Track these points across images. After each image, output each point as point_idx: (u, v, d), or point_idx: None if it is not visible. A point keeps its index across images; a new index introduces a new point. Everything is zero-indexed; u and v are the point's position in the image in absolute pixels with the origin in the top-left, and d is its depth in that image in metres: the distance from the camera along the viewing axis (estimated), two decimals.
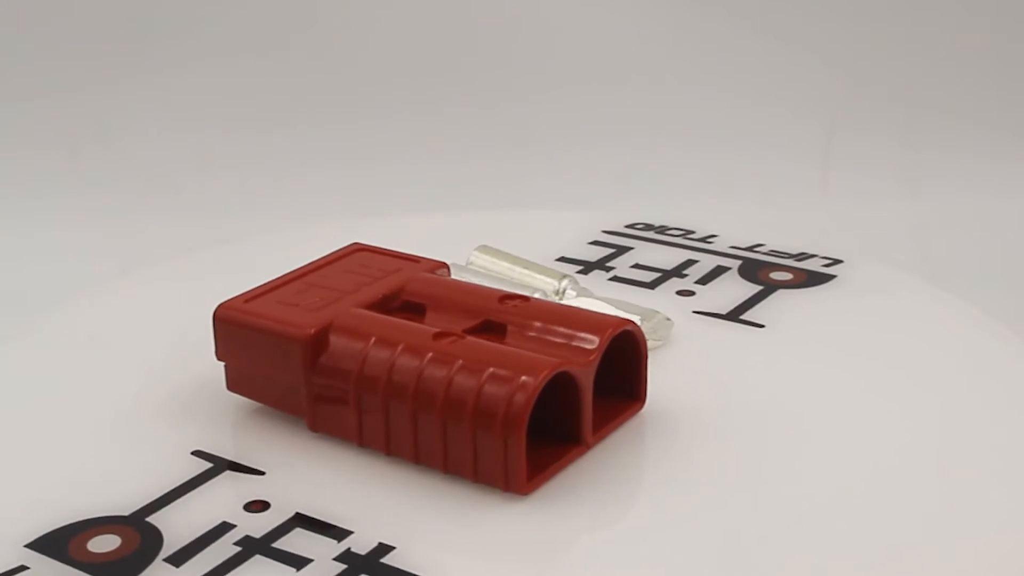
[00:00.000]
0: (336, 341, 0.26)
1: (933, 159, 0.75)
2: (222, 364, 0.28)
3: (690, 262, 0.36)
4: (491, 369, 0.25)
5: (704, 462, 0.26)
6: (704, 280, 0.35)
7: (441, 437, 0.25)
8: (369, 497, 0.25)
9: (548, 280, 0.32)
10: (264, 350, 0.27)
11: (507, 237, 0.36)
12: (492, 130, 0.75)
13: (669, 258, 0.37)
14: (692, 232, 0.39)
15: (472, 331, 0.27)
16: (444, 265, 0.30)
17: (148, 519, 0.24)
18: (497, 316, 0.27)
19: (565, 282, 0.32)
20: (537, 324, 0.27)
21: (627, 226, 0.39)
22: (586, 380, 0.26)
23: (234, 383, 0.28)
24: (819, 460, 0.26)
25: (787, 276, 0.35)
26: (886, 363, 0.30)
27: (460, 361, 0.25)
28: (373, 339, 0.26)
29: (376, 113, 0.75)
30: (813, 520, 0.24)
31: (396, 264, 0.30)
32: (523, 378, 0.24)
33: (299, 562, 0.23)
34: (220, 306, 0.27)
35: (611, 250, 0.37)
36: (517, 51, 0.75)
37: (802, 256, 0.37)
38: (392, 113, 0.75)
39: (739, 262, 0.36)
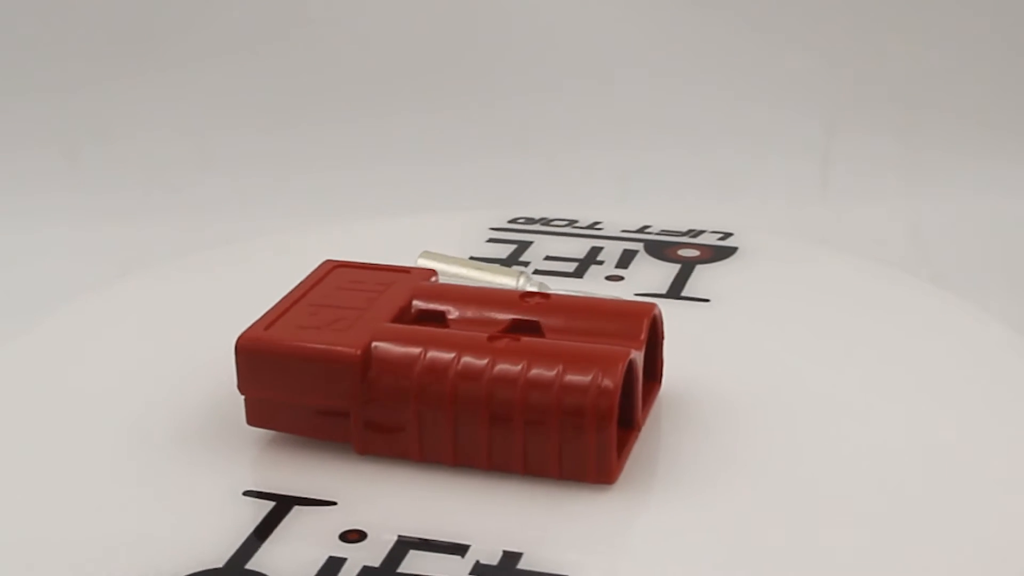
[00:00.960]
0: (384, 358, 0.25)
1: (933, 159, 0.75)
2: (237, 396, 0.27)
3: (596, 249, 0.37)
4: (563, 365, 0.25)
5: (743, 437, 0.27)
6: (622, 264, 0.36)
7: (521, 440, 0.25)
8: (457, 509, 0.25)
9: (507, 279, 0.32)
10: (302, 377, 0.25)
11: (415, 240, 0.36)
12: (491, 130, 0.75)
13: (573, 248, 0.37)
14: (575, 221, 0.39)
15: (507, 332, 0.27)
16: (433, 272, 0.30)
17: (248, 566, 0.23)
18: (525, 314, 0.27)
19: (522, 279, 0.32)
20: (568, 317, 0.27)
21: (510, 221, 0.39)
22: (640, 365, 0.26)
23: (258, 417, 0.26)
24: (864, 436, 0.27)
25: (694, 252, 0.37)
26: (850, 335, 0.32)
27: (527, 361, 0.25)
28: (426, 351, 0.25)
29: (377, 113, 0.75)
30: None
31: (388, 276, 0.29)
32: (602, 369, 0.24)
33: None
34: (242, 338, 0.26)
35: (513, 245, 0.38)
36: (516, 51, 0.75)
37: (693, 232, 0.38)
38: (392, 113, 0.75)
39: (641, 244, 0.37)
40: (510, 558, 0.23)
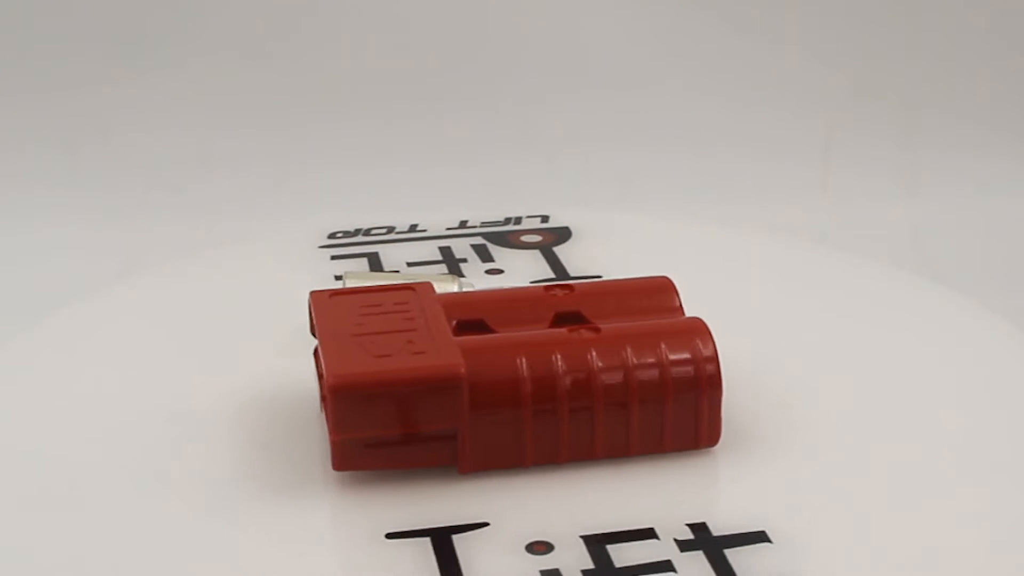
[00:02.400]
0: (486, 370, 0.25)
1: (933, 159, 0.75)
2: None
3: (446, 249, 0.37)
4: (663, 343, 0.25)
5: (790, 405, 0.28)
6: (485, 258, 0.36)
7: (635, 421, 0.25)
8: (603, 500, 0.25)
9: (448, 285, 0.31)
10: (408, 406, 0.24)
11: (263, 268, 0.36)
12: (493, 132, 0.75)
13: (424, 252, 0.37)
14: (394, 227, 0.38)
15: (556, 325, 0.27)
16: (430, 285, 0.29)
17: None
18: (563, 308, 0.28)
19: (456, 284, 0.32)
20: (601, 303, 0.28)
21: (330, 236, 0.38)
22: None
23: (348, 459, 0.25)
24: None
25: (537, 238, 0.37)
26: (810, 319, 0.33)
27: (627, 346, 0.25)
28: (522, 356, 0.25)
29: (377, 113, 0.75)
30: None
31: (399, 296, 0.28)
32: (698, 340, 0.25)
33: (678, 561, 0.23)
34: (335, 375, 0.24)
35: (362, 259, 0.36)
36: (517, 54, 0.75)
37: (512, 220, 0.38)
38: (392, 113, 0.75)
39: (480, 239, 0.37)
40: (700, 529, 0.24)
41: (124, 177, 0.73)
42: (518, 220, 0.38)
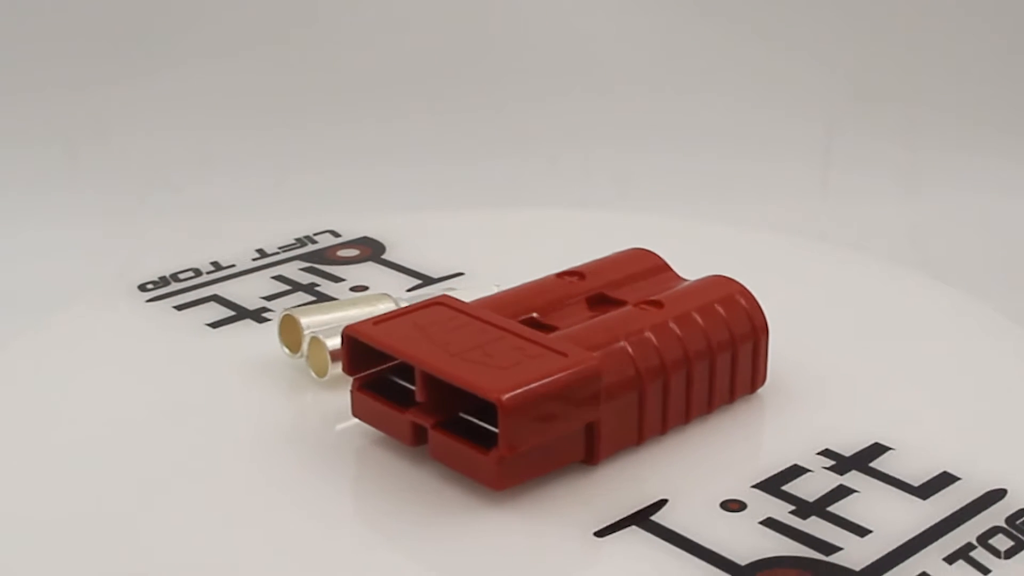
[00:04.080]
0: (605, 360, 0.25)
1: (933, 159, 0.75)
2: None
3: (281, 277, 0.35)
4: (716, 303, 0.28)
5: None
6: (329, 279, 0.35)
7: (718, 378, 0.27)
8: (737, 451, 0.27)
9: (386, 304, 0.31)
10: (562, 410, 0.25)
11: (97, 328, 0.34)
12: (493, 131, 0.75)
13: (261, 285, 0.35)
14: (199, 269, 0.36)
15: (598, 305, 0.28)
16: (449, 296, 0.29)
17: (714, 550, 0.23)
18: (588, 291, 0.29)
19: (392, 303, 0.31)
20: (610, 278, 0.29)
21: (141, 288, 0.35)
22: None
23: (509, 475, 0.24)
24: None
25: (353, 252, 0.37)
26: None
27: (692, 314, 0.27)
28: (620, 340, 0.26)
29: (377, 113, 0.75)
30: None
31: (441, 310, 0.27)
32: (738, 294, 0.28)
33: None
34: (505, 394, 0.24)
35: (194, 307, 0.34)
36: (516, 52, 0.75)
37: (307, 240, 0.38)
38: (392, 113, 0.75)
39: (302, 262, 0.36)
40: (829, 455, 0.26)
41: (124, 177, 0.73)
42: (310, 240, 0.38)
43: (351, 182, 0.73)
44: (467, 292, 0.31)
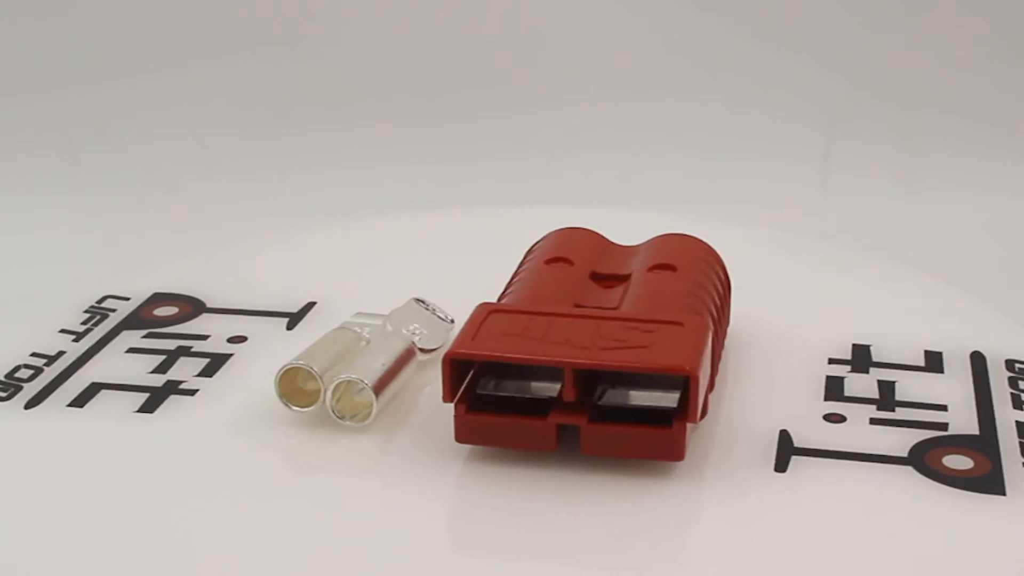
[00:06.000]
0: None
1: (933, 159, 0.75)
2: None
3: (137, 349, 0.32)
4: (704, 265, 0.30)
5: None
6: (189, 339, 0.32)
7: (724, 325, 0.30)
8: (783, 386, 0.29)
9: (375, 321, 0.30)
10: (710, 370, 0.27)
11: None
12: (493, 131, 0.75)
13: (137, 363, 0.31)
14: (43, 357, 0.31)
15: (600, 281, 0.29)
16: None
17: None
18: (588, 271, 0.29)
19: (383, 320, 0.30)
20: (594, 260, 0.30)
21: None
22: None
23: (685, 444, 0.25)
24: None
25: (174, 310, 0.33)
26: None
27: (703, 270, 0.29)
28: (690, 301, 0.28)
29: (377, 113, 0.75)
30: None
31: (501, 307, 0.27)
32: (710, 257, 0.30)
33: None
34: (690, 365, 0.24)
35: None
36: (515, 52, 0.75)
37: (98, 311, 0.34)
38: (393, 113, 0.75)
39: (133, 330, 0.32)
40: (863, 352, 0.30)
41: (124, 177, 0.73)
42: (101, 300, 0.34)
43: (351, 182, 0.73)
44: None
